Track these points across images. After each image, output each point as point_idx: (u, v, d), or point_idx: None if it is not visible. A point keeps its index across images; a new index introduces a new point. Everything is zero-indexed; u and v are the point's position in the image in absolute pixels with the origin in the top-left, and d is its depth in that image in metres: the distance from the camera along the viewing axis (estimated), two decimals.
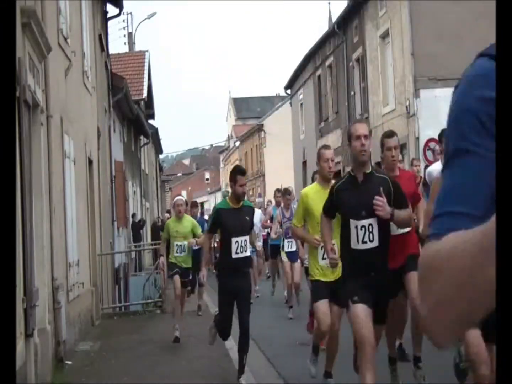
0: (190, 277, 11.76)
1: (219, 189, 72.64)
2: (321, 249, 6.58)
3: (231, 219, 7.68)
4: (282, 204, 13.10)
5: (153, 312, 14.25)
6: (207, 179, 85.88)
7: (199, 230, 10.93)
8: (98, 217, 14.10)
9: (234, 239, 7.62)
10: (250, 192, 53.72)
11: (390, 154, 6.74)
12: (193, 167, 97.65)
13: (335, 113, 29.38)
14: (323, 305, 6.67)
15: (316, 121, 32.90)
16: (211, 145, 76.23)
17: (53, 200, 8.87)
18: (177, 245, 10.66)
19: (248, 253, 7.79)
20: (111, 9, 21.02)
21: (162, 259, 11.13)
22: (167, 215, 31.25)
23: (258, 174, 52.57)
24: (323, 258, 6.62)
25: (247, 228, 7.82)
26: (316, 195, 6.80)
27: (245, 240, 7.70)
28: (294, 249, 12.07)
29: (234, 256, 7.62)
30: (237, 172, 7.82)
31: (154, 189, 40.62)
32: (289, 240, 12.28)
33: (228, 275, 7.72)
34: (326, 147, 7.32)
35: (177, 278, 10.74)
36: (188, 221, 10.92)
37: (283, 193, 13.21)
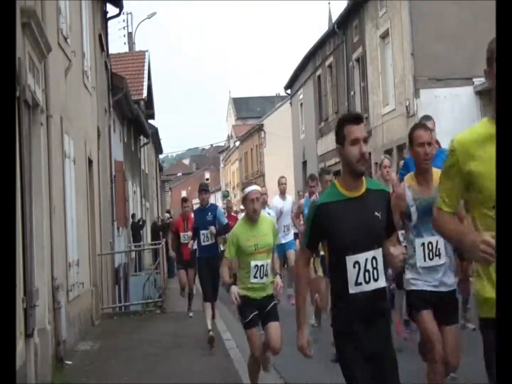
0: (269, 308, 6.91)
1: (219, 189, 72.70)
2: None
3: (346, 220, 4.12)
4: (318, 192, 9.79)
5: (153, 312, 14.25)
6: (207, 179, 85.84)
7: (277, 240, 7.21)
8: (98, 217, 14.10)
9: (351, 258, 4.09)
10: None
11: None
12: (193, 167, 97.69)
13: (335, 113, 29.38)
14: None
15: (316, 121, 32.91)
16: (211, 145, 76.21)
17: (53, 200, 8.87)
18: (256, 266, 6.65)
19: (383, 282, 4.16)
20: (111, 9, 21.07)
21: (235, 290, 6.70)
22: (167, 215, 31.25)
23: (258, 174, 52.57)
24: None
25: (379, 234, 4.18)
26: (484, 145, 3.18)
27: (375, 259, 4.11)
28: None
29: (353, 290, 4.11)
30: (345, 122, 4.17)
31: (154, 189, 40.61)
32: None
33: (348, 323, 4.13)
34: None
35: (254, 333, 6.81)
36: (268, 223, 6.88)
37: (321, 173, 9.32)
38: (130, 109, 22.33)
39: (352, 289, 4.10)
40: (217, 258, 10.49)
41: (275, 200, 13.31)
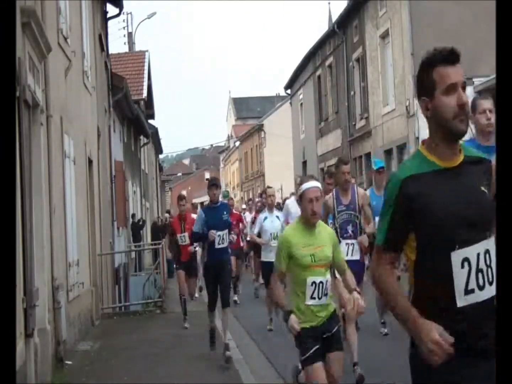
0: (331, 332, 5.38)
1: None
2: None
3: (446, 198, 2.83)
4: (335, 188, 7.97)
5: (153, 312, 14.24)
6: (207, 179, 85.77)
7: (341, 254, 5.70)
8: (98, 217, 14.10)
9: (459, 254, 2.78)
10: (250, 193, 53.76)
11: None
12: (193, 167, 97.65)
13: (335, 113, 29.38)
14: None
15: (316, 121, 32.90)
16: (211, 145, 76.23)
17: (53, 200, 8.87)
18: (313, 283, 5.25)
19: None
20: (111, 9, 21.12)
21: (295, 322, 5.16)
22: (167, 215, 31.23)
23: (258, 174, 52.57)
24: None
25: (491, 216, 2.85)
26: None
27: (488, 253, 2.80)
28: (357, 257, 7.55)
29: (462, 301, 2.78)
30: (436, 63, 3.05)
31: (154, 189, 40.62)
32: (349, 241, 7.56)
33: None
34: None
35: (317, 370, 5.21)
36: (328, 232, 5.56)
37: (337, 164, 7.80)
38: (130, 109, 22.33)
39: (461, 301, 2.75)
40: (229, 262, 9.58)
41: (290, 203, 11.35)
